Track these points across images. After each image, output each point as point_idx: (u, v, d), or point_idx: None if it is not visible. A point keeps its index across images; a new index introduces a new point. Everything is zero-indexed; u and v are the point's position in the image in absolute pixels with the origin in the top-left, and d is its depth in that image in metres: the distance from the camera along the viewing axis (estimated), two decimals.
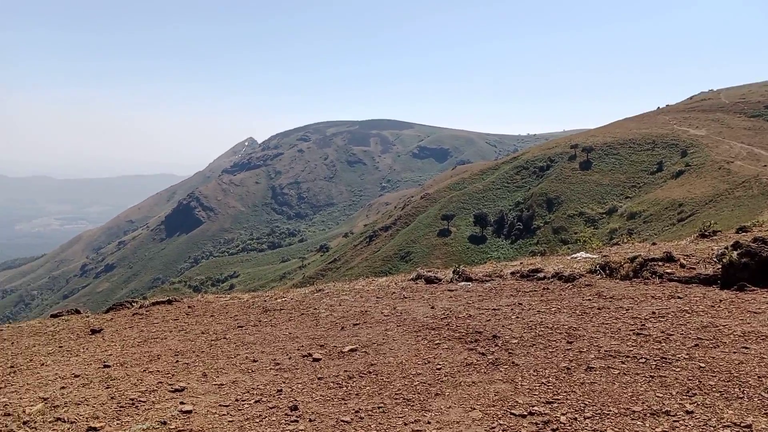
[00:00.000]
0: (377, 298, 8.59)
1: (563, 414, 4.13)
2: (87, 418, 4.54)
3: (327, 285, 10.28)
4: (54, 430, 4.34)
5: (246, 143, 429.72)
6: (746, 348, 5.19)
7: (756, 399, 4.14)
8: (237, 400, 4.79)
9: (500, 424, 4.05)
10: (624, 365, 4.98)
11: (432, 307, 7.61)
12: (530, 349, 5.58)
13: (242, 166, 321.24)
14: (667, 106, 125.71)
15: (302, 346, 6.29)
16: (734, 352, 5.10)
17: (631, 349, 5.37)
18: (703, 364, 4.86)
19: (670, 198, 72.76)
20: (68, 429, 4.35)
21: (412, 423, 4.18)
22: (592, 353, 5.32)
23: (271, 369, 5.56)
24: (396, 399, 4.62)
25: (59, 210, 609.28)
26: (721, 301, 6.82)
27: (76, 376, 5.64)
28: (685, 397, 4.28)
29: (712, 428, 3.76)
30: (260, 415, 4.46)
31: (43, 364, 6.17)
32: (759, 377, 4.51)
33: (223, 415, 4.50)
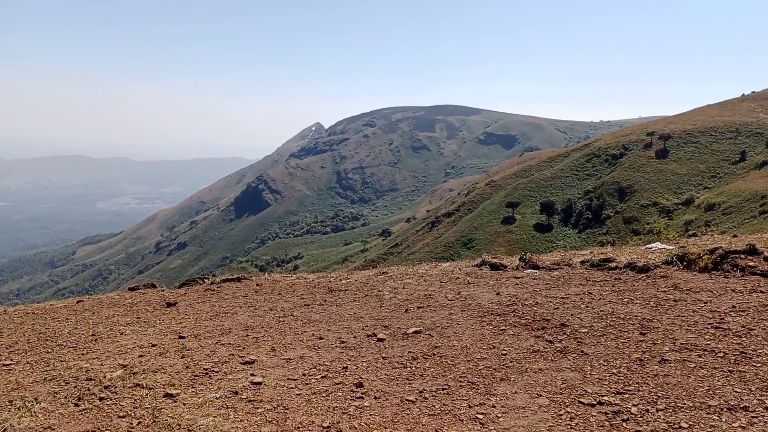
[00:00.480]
0: (441, 282, 8.56)
1: (634, 405, 4.01)
2: (164, 385, 4.78)
3: (390, 268, 10.34)
4: (133, 395, 4.58)
5: (313, 128, 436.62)
6: None
7: None
8: (304, 374, 4.91)
9: (568, 412, 3.97)
10: (701, 359, 4.77)
11: (497, 294, 7.52)
12: (600, 339, 5.43)
13: (309, 151, 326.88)
14: (752, 92, 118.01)
15: (367, 326, 6.37)
16: None
17: (709, 342, 5.13)
18: None
19: (753, 189, 68.51)
20: (146, 395, 4.58)
21: (477, 406, 4.16)
22: (667, 345, 5.12)
23: (336, 347, 5.66)
24: (460, 382, 4.61)
25: (137, 190, 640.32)
26: None
27: (153, 346, 5.93)
28: (765, 393, 4.06)
29: None
30: (326, 390, 4.56)
31: (122, 333, 6.52)
32: None
33: (291, 388, 4.63)
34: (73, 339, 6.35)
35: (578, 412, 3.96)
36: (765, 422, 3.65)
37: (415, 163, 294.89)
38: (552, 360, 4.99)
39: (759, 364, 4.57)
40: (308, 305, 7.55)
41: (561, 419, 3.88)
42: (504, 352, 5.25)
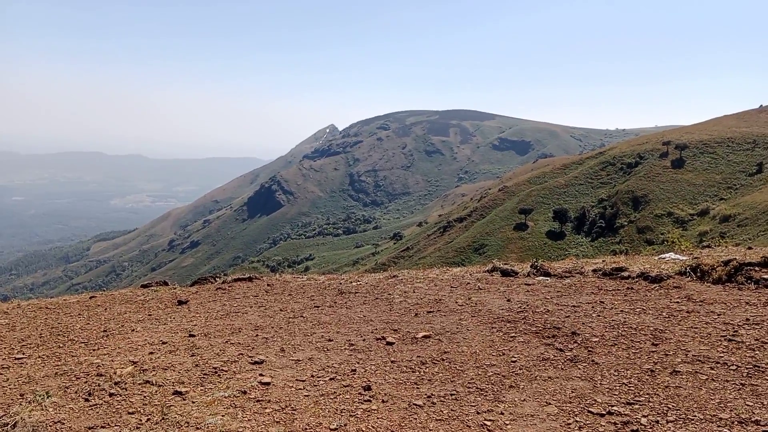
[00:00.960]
0: (451, 287, 8.54)
1: (644, 416, 3.97)
2: (173, 382, 4.80)
3: (401, 272, 10.33)
4: (143, 392, 4.61)
5: (327, 130, 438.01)
6: None
7: None
8: (313, 376, 4.92)
9: (576, 421, 3.94)
10: (713, 371, 4.71)
11: (508, 300, 7.49)
12: (611, 349, 5.38)
13: (322, 153, 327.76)
14: None
15: (376, 329, 6.37)
16: None
17: (722, 355, 5.06)
18: None
19: None
20: (156, 392, 4.61)
21: (485, 412, 4.14)
22: (679, 357, 5.07)
23: (345, 349, 5.66)
24: (469, 388, 4.60)
25: (151, 188, 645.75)
26: None
27: (164, 343, 5.97)
28: None
29: None
30: (335, 392, 4.56)
31: (133, 330, 6.57)
32: None
33: (300, 389, 4.64)
34: (84, 334, 6.41)
35: (587, 422, 3.93)
36: None
37: (428, 167, 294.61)
38: (562, 368, 4.95)
39: None
40: (318, 307, 7.56)
41: (570, 428, 3.85)
42: (513, 359, 5.22)
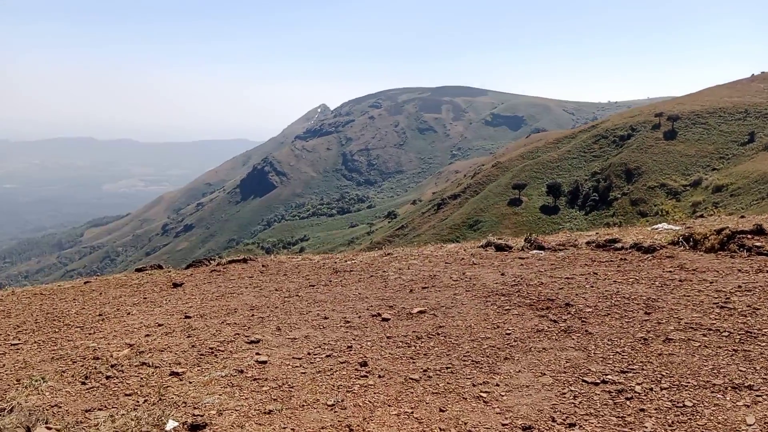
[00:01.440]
0: (446, 263, 8.56)
1: (638, 384, 4.01)
2: (170, 363, 4.82)
3: (396, 249, 10.34)
4: (139, 373, 4.62)
5: (319, 110, 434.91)
6: None
7: None
8: (309, 353, 4.94)
9: (571, 390, 3.98)
10: (705, 338, 4.76)
11: (502, 274, 7.52)
12: (605, 319, 5.42)
13: (314, 133, 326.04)
14: (762, 73, 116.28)
15: (371, 306, 6.39)
16: None
17: (714, 322, 5.11)
18: None
19: (761, 171, 67.92)
20: (152, 373, 4.62)
21: (481, 384, 4.18)
22: (672, 325, 5.11)
23: (341, 326, 5.68)
24: (464, 361, 4.63)
25: (143, 172, 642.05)
26: None
27: (160, 326, 5.98)
28: None
29: None
30: (331, 369, 4.58)
31: (128, 314, 6.57)
32: None
33: (296, 366, 4.66)
34: (80, 319, 6.41)
35: (582, 391, 3.97)
36: None
37: (421, 144, 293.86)
38: (556, 339, 4.99)
39: (764, 344, 4.56)
40: (313, 286, 7.57)
41: (564, 398, 3.89)
42: (508, 331, 5.25)
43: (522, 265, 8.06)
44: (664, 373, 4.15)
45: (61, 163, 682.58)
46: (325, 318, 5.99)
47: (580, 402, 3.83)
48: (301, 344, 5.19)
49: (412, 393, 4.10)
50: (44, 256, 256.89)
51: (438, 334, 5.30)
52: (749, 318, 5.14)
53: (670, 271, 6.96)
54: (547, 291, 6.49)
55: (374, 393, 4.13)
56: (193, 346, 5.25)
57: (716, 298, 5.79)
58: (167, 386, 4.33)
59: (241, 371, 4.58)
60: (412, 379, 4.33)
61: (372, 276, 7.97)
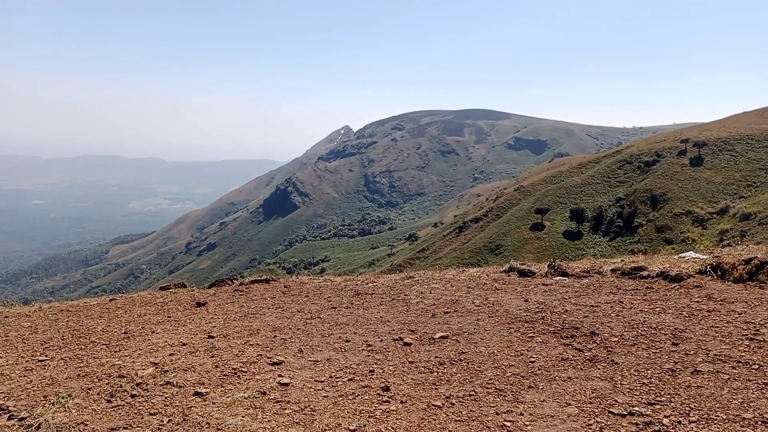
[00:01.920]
0: (468, 288, 8.51)
1: (666, 416, 3.93)
2: (194, 383, 4.85)
3: (417, 272, 10.31)
4: (164, 393, 4.66)
5: (342, 131, 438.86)
6: None
7: None
8: (331, 377, 4.94)
9: (597, 422, 3.91)
10: (735, 370, 4.65)
11: (525, 300, 7.45)
12: (631, 348, 5.33)
13: (337, 154, 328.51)
14: None
15: (393, 329, 6.37)
16: None
17: (743, 354, 5.00)
18: None
19: None
20: (177, 393, 4.65)
21: (504, 413, 4.12)
22: (700, 356, 5.00)
23: (363, 350, 5.67)
24: (487, 388, 4.58)
25: (168, 190, 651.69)
26: None
27: (184, 345, 6.03)
28: None
29: None
30: (353, 393, 4.57)
31: (153, 332, 6.64)
32: None
33: (319, 390, 4.65)
34: (106, 336, 6.50)
35: (608, 423, 3.89)
36: None
37: (443, 167, 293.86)
38: (581, 368, 4.92)
39: None
40: (335, 308, 7.58)
41: (590, 429, 3.82)
42: (532, 359, 5.19)
43: (546, 291, 7.98)
44: (692, 406, 4.06)
45: (89, 181, 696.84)
46: (347, 341, 5.98)
47: None
48: (323, 367, 5.19)
49: (435, 420, 4.07)
50: (70, 272, 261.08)
51: (460, 360, 5.26)
52: None
53: (698, 301, 6.83)
54: (572, 319, 6.41)
55: (396, 419, 4.10)
56: (216, 366, 5.28)
57: (745, 329, 5.66)
58: (191, 406, 4.35)
59: (264, 393, 4.59)
60: (434, 405, 4.29)
61: (394, 299, 7.95)
